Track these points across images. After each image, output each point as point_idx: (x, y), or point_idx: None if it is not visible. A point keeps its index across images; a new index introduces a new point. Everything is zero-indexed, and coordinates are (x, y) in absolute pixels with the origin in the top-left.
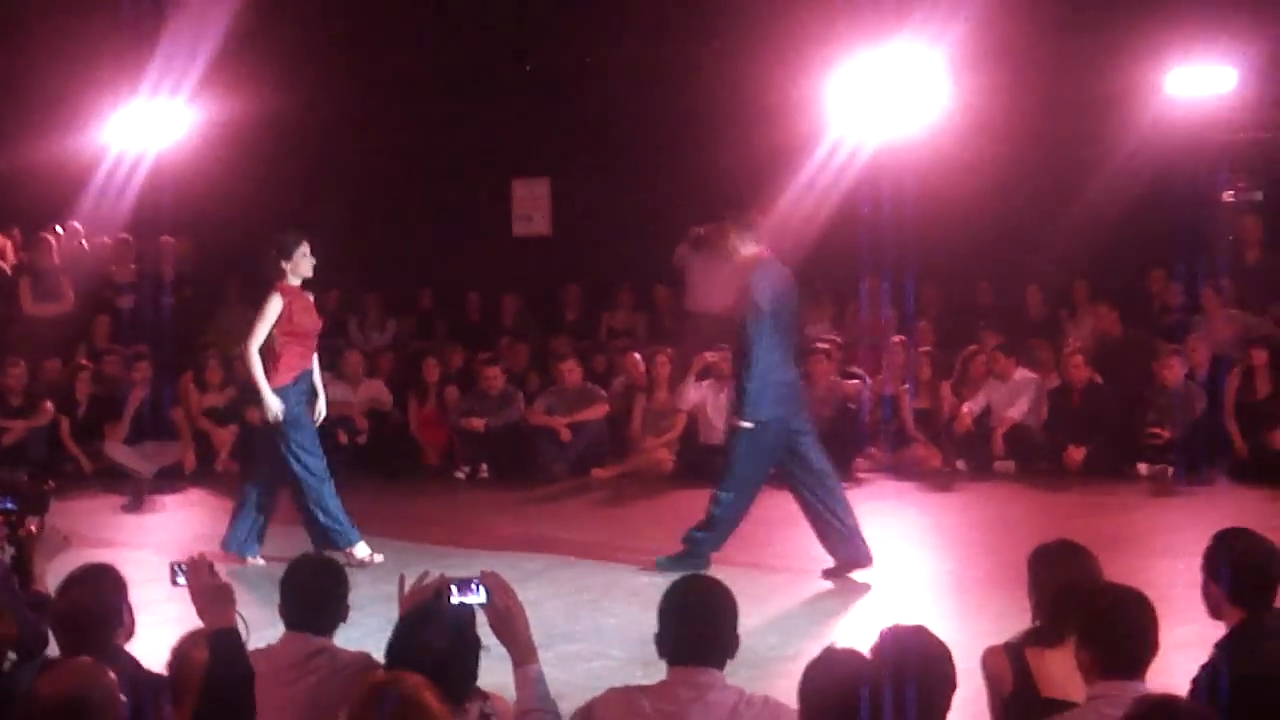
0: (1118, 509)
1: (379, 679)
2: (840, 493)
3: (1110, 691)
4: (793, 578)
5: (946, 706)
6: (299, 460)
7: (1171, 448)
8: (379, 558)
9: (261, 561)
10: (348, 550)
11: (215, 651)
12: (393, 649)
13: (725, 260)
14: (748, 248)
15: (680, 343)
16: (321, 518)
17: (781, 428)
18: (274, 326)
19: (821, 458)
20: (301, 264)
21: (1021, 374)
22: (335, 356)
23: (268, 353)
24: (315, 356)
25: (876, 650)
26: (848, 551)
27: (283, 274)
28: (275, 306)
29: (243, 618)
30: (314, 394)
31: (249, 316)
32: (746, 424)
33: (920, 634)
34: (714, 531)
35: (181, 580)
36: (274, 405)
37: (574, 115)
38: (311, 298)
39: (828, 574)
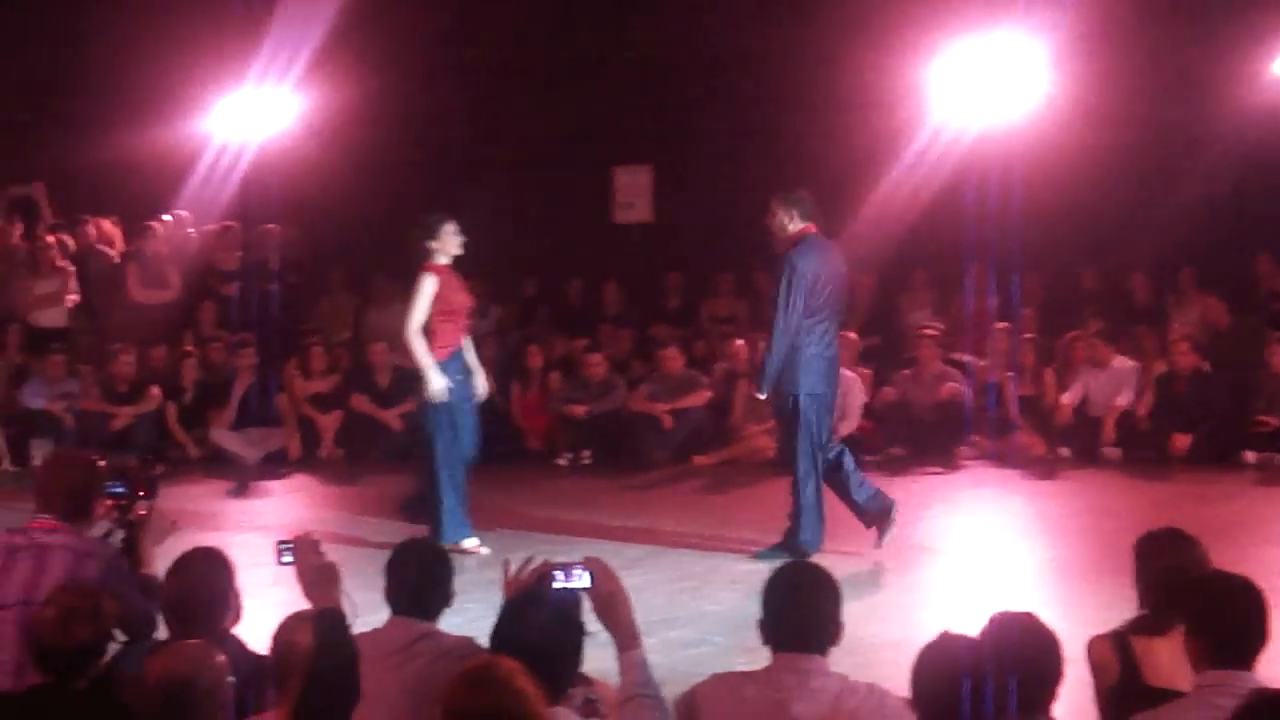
0: (1224, 497)
1: (474, 663)
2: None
3: (1220, 681)
4: (895, 563)
5: (1054, 695)
6: (435, 439)
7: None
8: (485, 550)
9: (485, 550)
10: (454, 545)
11: (321, 632)
12: (497, 634)
13: (775, 238)
14: (795, 224)
15: None
16: (438, 505)
17: (827, 401)
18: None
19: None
20: (449, 242)
21: (1120, 361)
22: None
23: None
24: (467, 334)
25: (985, 636)
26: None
27: (431, 254)
28: (429, 286)
29: (349, 598)
30: (469, 371)
31: (404, 302)
32: (760, 395)
33: (1029, 621)
34: (802, 520)
35: (288, 559)
36: (438, 383)
37: (675, 103)
38: (460, 276)
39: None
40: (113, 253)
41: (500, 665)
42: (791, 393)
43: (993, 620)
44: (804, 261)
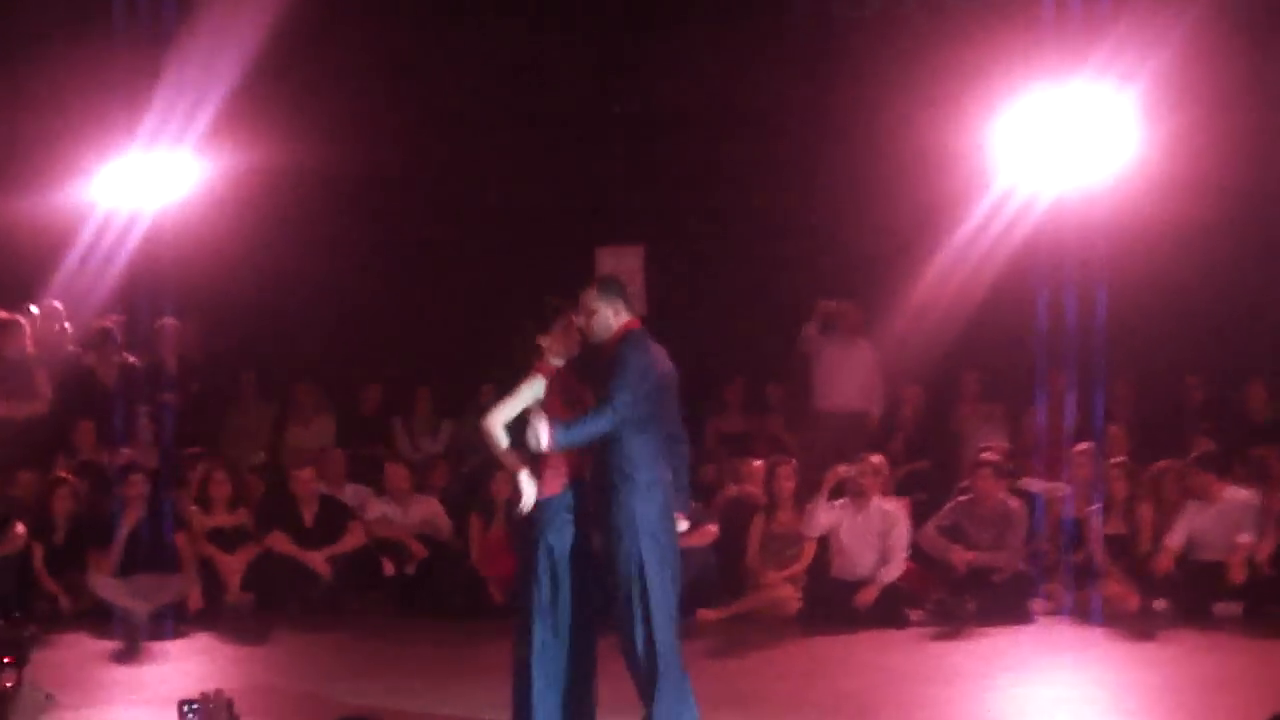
0: None
1: None
2: None
3: None
4: None
5: None
6: (529, 597)
7: None
8: None
9: None
10: None
11: None
12: None
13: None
14: (619, 318)
15: (804, 453)
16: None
17: (671, 549)
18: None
19: None
20: (566, 339)
21: (1233, 493)
22: (377, 466)
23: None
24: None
25: None
26: None
27: (541, 352)
28: (534, 390)
29: None
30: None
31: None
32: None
33: None
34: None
35: None
36: (529, 492)
37: (672, 170)
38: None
39: None
40: None
41: None
42: (626, 533)
43: None
44: (635, 356)
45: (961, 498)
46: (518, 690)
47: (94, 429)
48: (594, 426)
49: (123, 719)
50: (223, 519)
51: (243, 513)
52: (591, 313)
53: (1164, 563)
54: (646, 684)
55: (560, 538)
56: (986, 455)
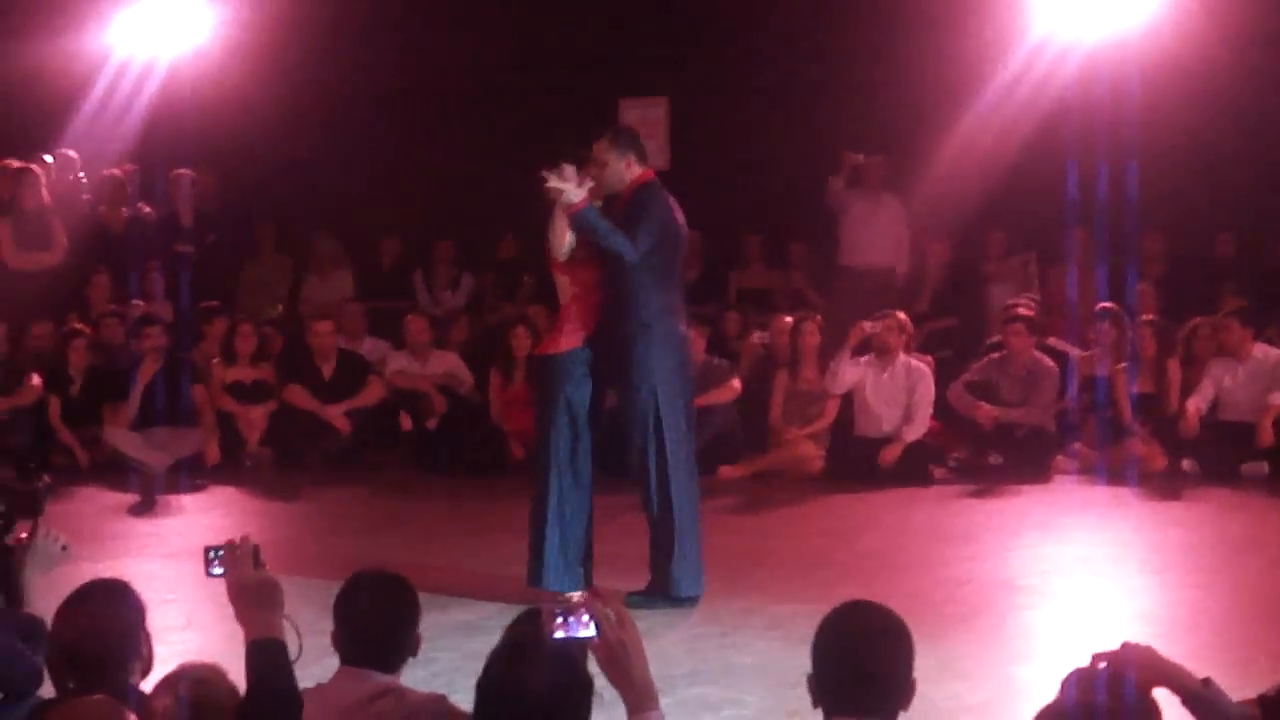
0: None
1: None
2: None
3: None
4: (977, 605)
5: None
6: (546, 443)
7: None
8: None
9: None
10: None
11: (254, 669)
12: (484, 691)
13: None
14: (633, 169)
15: (828, 309)
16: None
17: (687, 397)
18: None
19: None
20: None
21: (1264, 351)
22: (397, 321)
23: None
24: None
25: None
26: None
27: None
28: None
29: (293, 626)
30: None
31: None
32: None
33: (1116, 684)
34: (675, 557)
35: (218, 570)
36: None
37: (699, 19)
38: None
39: None
40: None
41: None
42: (643, 385)
43: (1082, 680)
44: (654, 203)
45: (994, 355)
46: (534, 541)
47: (108, 282)
48: (614, 240)
49: (139, 571)
50: (245, 373)
51: (265, 367)
52: (603, 165)
53: (1189, 425)
54: (663, 541)
55: (579, 391)
56: (1020, 310)
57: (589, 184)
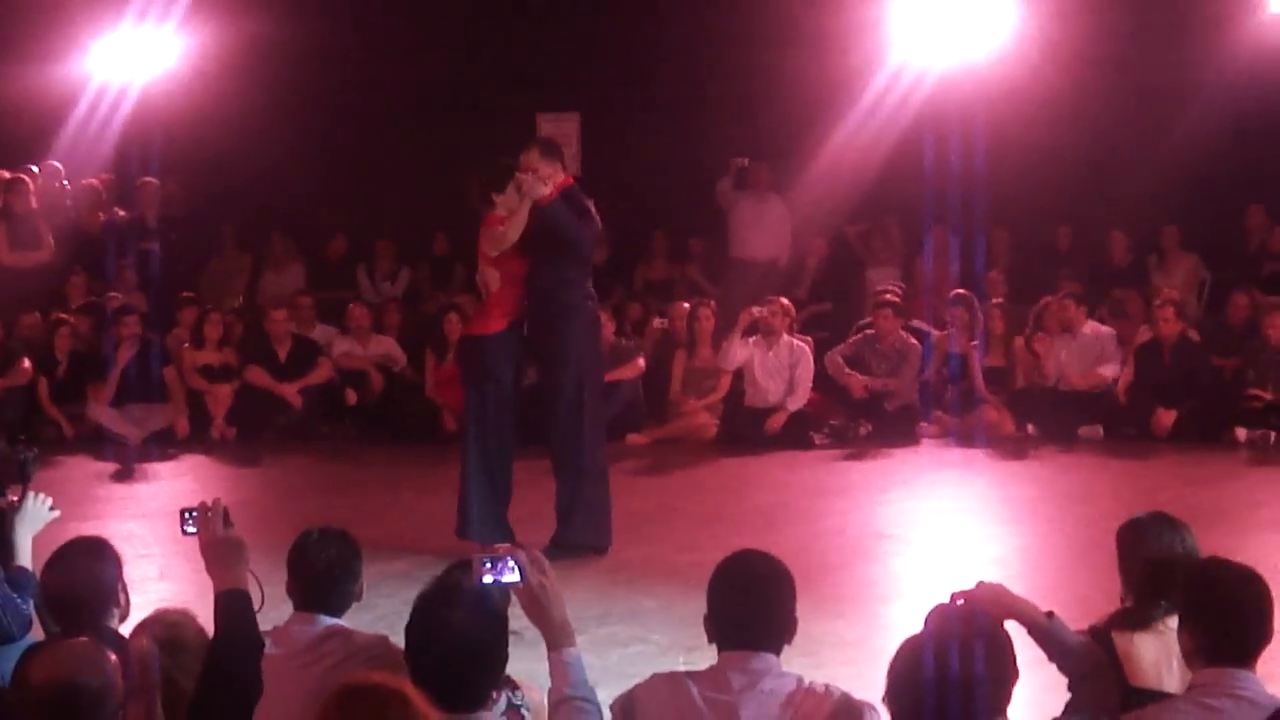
0: (1213, 479)
1: (352, 682)
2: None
3: (1216, 680)
4: (851, 553)
5: (1008, 696)
6: (470, 414)
7: (1273, 411)
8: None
9: None
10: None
11: (222, 616)
12: (412, 632)
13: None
14: (558, 175)
15: (721, 296)
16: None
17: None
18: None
19: None
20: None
21: (1093, 328)
22: (342, 309)
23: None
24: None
25: (938, 632)
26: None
27: (494, 205)
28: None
29: (257, 579)
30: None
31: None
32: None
33: (971, 618)
34: (583, 515)
35: (191, 529)
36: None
37: (608, 43)
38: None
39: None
40: None
41: (384, 687)
42: (569, 361)
43: (929, 616)
44: (581, 200)
45: (866, 332)
46: (462, 498)
47: (85, 281)
48: (576, 230)
49: (118, 530)
50: (213, 357)
51: (229, 351)
52: (533, 171)
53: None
54: (576, 496)
55: (504, 368)
56: (888, 296)
57: (550, 184)
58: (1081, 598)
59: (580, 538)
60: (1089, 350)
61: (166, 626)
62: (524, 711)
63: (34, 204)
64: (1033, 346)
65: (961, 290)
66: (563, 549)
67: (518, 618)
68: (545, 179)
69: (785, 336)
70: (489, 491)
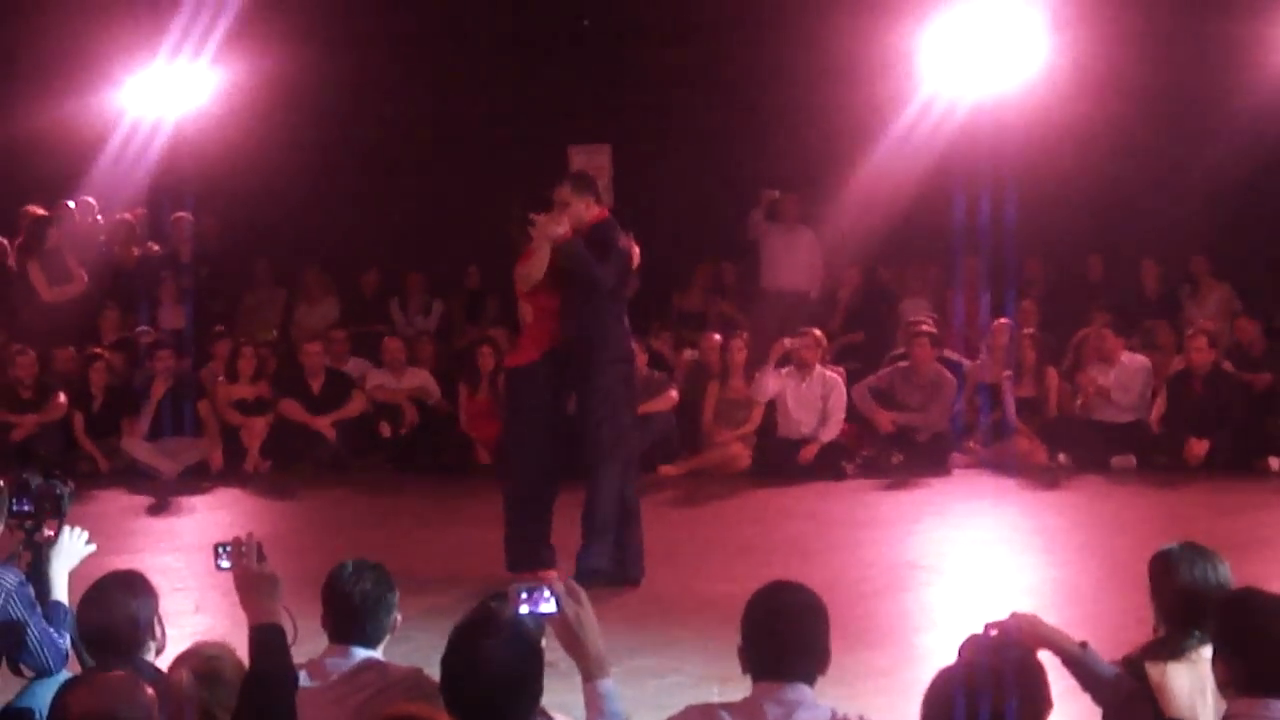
0: (1246, 509)
1: (392, 713)
2: None
3: (1250, 710)
4: (884, 583)
5: None
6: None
7: None
8: None
9: None
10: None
11: (257, 650)
12: (448, 664)
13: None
14: (591, 210)
15: (753, 327)
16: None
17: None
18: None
19: None
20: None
21: (1129, 358)
22: (376, 343)
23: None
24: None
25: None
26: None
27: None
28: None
29: (289, 614)
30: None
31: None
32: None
33: (1004, 648)
34: (598, 543)
35: (225, 564)
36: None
37: (638, 75)
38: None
39: None
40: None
41: (420, 718)
42: (596, 393)
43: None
44: (613, 241)
45: (900, 364)
46: (510, 524)
47: (118, 315)
48: (594, 269)
49: (154, 564)
50: (247, 390)
51: (263, 384)
52: (565, 206)
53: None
54: (598, 526)
55: (541, 397)
56: (924, 326)
57: (567, 222)
58: (1115, 628)
59: (596, 563)
60: (1124, 380)
61: (205, 660)
62: None
63: (65, 239)
64: (1075, 379)
65: (1004, 320)
66: (590, 576)
67: (553, 649)
68: (562, 218)
69: (818, 368)
70: (535, 520)
